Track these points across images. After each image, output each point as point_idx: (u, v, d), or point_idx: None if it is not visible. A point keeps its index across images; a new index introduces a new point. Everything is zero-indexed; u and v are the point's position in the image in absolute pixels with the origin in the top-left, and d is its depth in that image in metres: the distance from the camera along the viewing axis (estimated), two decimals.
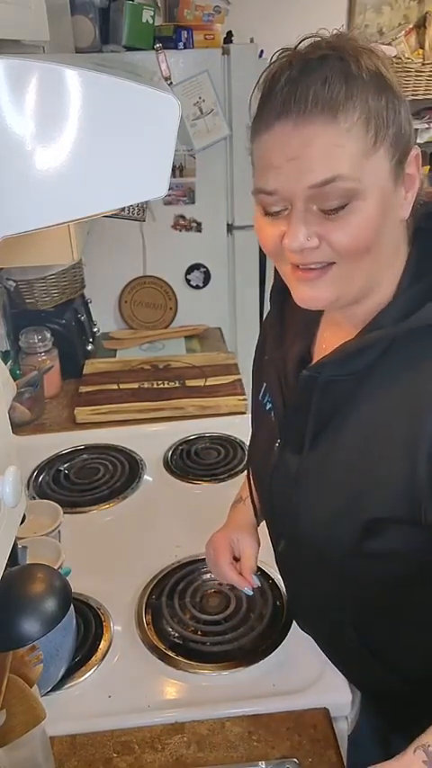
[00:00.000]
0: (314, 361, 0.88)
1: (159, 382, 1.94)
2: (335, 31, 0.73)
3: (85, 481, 1.56)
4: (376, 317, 0.78)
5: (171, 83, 2.16)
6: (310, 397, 0.81)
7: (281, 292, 0.89)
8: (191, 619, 1.14)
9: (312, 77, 0.67)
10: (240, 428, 1.64)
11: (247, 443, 1.09)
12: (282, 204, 0.72)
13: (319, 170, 0.68)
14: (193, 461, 1.61)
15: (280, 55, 0.72)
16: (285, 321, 0.94)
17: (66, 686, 1.03)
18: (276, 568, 1.07)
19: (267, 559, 1.05)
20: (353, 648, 0.92)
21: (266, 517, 1.00)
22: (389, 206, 0.72)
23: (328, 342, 0.87)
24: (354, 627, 0.89)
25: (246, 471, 1.07)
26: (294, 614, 1.09)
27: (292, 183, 0.69)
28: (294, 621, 1.10)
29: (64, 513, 1.34)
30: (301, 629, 1.06)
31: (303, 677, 1.03)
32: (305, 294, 0.77)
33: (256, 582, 1.02)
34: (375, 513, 0.76)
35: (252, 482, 1.04)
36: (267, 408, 0.94)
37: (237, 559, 1.05)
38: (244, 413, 1.78)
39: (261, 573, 1.16)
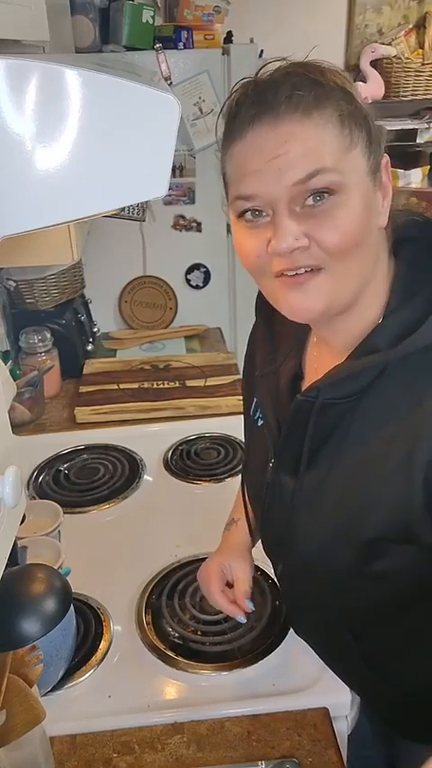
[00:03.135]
0: (306, 378, 0.87)
1: (159, 382, 1.94)
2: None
3: (85, 481, 1.56)
4: (369, 337, 0.75)
5: (171, 83, 2.16)
6: (306, 421, 0.79)
7: (267, 306, 0.84)
8: (191, 619, 1.14)
9: (281, 87, 0.67)
10: (240, 428, 1.63)
11: None
12: (262, 208, 0.70)
13: (300, 165, 0.66)
14: (193, 461, 1.61)
15: (241, 82, 0.72)
16: (275, 336, 0.92)
17: (66, 686, 1.03)
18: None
19: (266, 559, 1.04)
20: (352, 658, 0.91)
21: (263, 537, 0.98)
22: (371, 205, 0.71)
23: (318, 360, 0.86)
24: (353, 636, 0.89)
25: (239, 488, 1.06)
26: (293, 624, 1.07)
27: (273, 185, 0.68)
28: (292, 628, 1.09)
29: (64, 513, 1.34)
30: (299, 637, 1.05)
31: (303, 677, 1.03)
32: (294, 303, 0.73)
33: (250, 607, 1.01)
34: (374, 532, 0.75)
35: (247, 498, 1.03)
36: (259, 425, 0.92)
37: (231, 585, 1.04)
38: None
39: (260, 573, 1.17)
